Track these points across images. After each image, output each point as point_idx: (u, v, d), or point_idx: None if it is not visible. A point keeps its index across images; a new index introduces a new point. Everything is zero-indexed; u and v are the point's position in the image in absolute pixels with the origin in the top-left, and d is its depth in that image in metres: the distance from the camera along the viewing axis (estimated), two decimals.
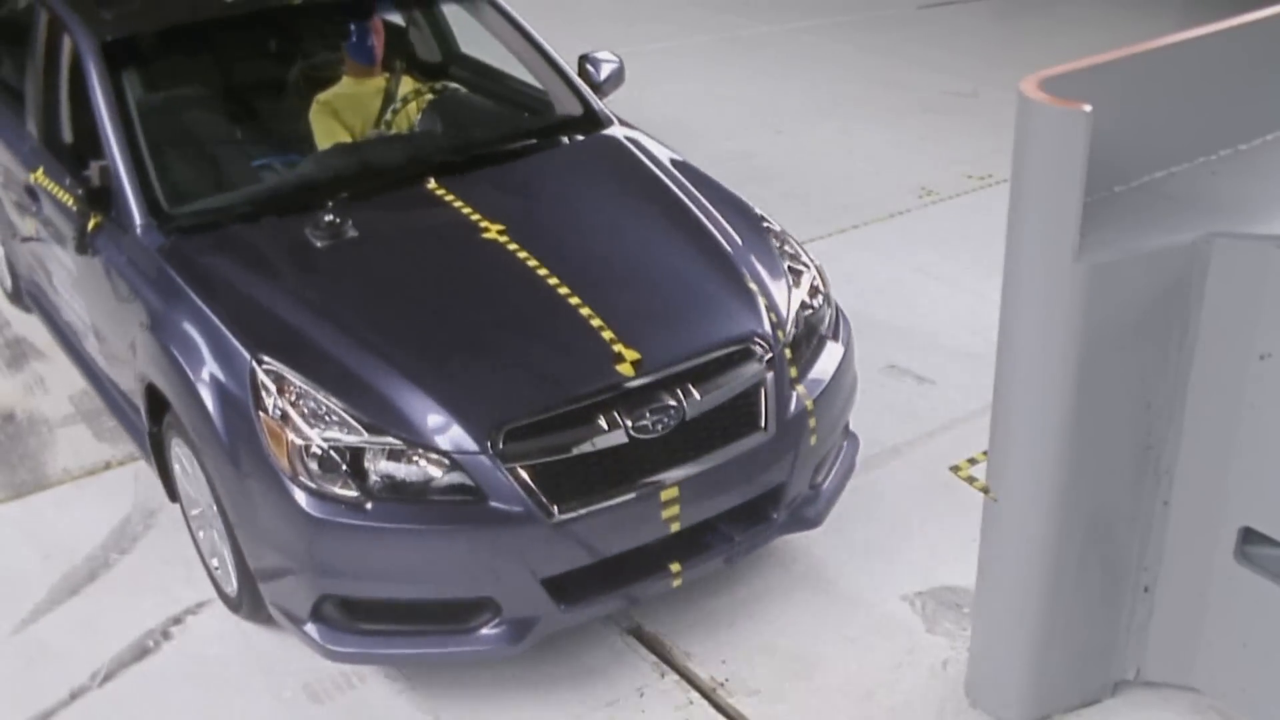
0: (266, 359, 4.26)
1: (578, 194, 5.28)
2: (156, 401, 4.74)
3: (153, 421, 4.86)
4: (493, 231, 4.80)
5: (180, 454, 4.72)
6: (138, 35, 5.44)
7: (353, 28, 5.91)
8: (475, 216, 4.89)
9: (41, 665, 4.59)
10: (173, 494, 5.03)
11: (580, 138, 5.68)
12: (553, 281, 4.57)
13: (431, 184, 5.11)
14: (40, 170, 5.66)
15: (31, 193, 5.74)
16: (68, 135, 5.69)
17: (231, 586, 4.66)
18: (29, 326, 6.79)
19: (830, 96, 10.25)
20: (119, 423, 5.54)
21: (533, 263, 4.65)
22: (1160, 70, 3.93)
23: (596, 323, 4.39)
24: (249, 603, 4.58)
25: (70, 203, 5.25)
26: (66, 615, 4.85)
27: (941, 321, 6.61)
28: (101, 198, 5.01)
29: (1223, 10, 4.16)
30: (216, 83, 6.12)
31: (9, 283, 6.99)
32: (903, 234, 7.71)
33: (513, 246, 4.72)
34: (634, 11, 12.52)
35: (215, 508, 4.48)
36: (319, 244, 4.74)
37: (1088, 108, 3.42)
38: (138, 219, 4.94)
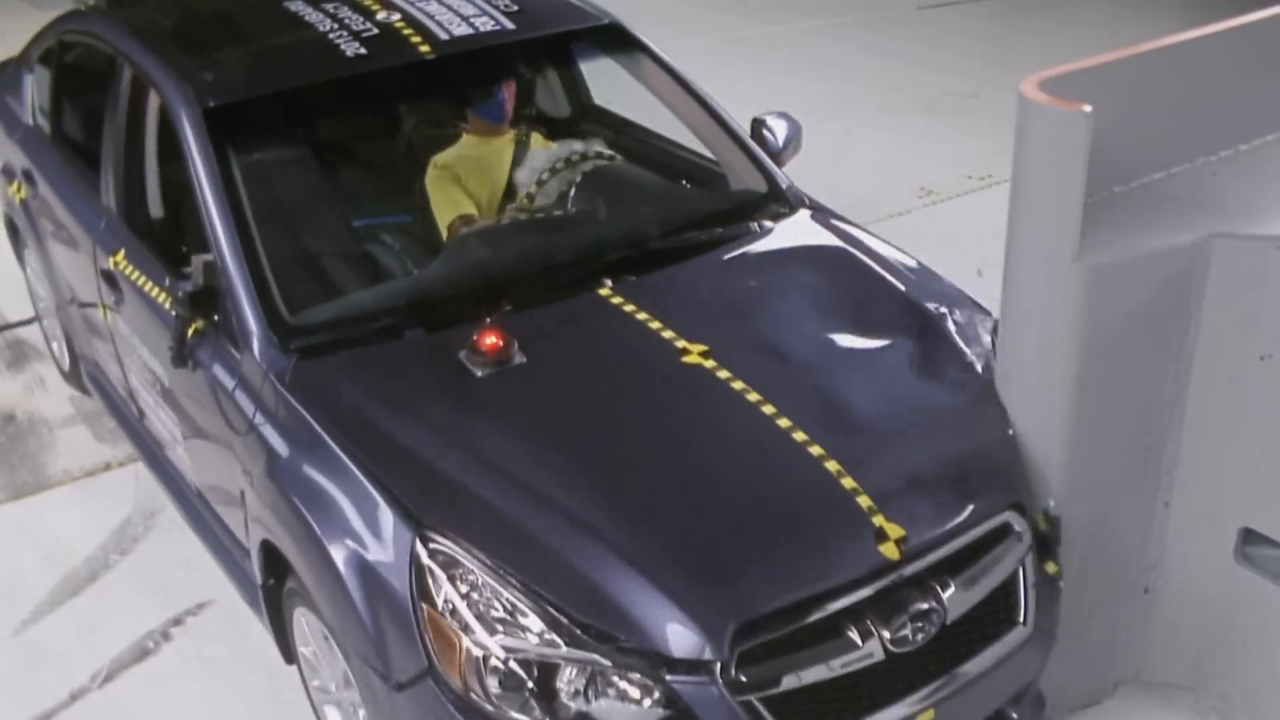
0: (434, 536, 3.32)
1: (787, 301, 4.21)
2: (275, 557, 3.87)
3: (268, 575, 4.01)
4: (694, 354, 3.83)
5: (307, 626, 3.89)
6: (246, 100, 4.39)
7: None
8: (668, 334, 3.91)
9: (42, 666, 4.59)
10: (289, 656, 4.18)
11: (770, 224, 4.55)
12: (783, 423, 3.60)
13: (605, 290, 4.10)
14: (121, 253, 4.72)
15: (110, 278, 4.80)
16: (156, 213, 4.83)
17: None
18: (30, 327, 6.78)
19: (831, 97, 10.24)
20: (221, 564, 4.58)
21: (752, 396, 3.68)
22: (1161, 71, 3.93)
23: (849, 483, 3.43)
24: None
25: (161, 298, 4.39)
26: (67, 616, 4.84)
27: None
28: (206, 301, 4.07)
29: (1223, 11, 4.16)
30: (338, 156, 5.06)
31: (66, 361, 6.11)
32: (903, 234, 7.67)
33: (723, 374, 3.76)
34: (633, 12, 12.50)
35: (357, 706, 3.70)
36: (479, 372, 3.77)
37: (1088, 108, 3.41)
38: (255, 333, 3.94)
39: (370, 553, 3.40)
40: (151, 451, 5.11)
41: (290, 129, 4.71)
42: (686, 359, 3.82)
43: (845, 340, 4.04)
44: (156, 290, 4.44)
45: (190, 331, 4.16)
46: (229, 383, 4.03)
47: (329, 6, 4.72)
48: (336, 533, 3.48)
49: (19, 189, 5.93)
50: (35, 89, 5.96)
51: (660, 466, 3.54)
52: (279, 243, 4.23)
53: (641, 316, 3.97)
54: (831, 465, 3.47)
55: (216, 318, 4.11)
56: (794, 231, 4.55)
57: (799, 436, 3.56)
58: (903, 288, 4.29)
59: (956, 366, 3.98)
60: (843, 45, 11.57)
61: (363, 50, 4.49)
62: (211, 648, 4.66)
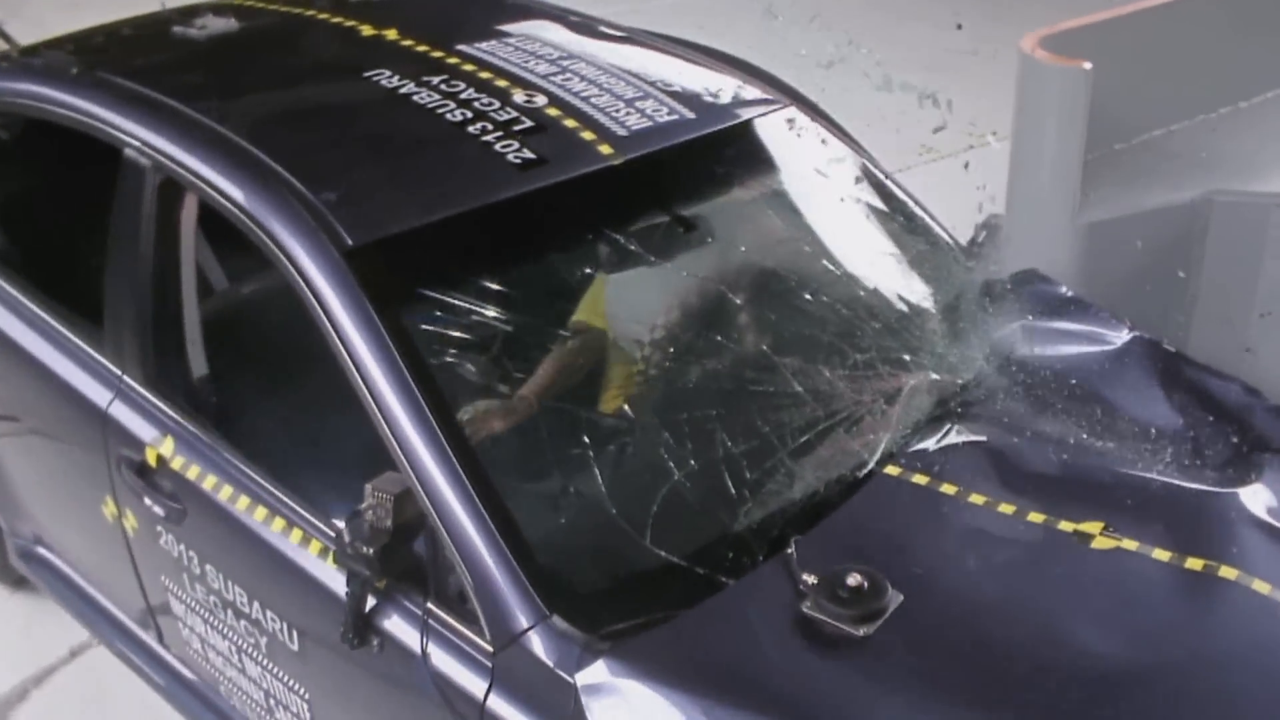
0: None
1: (1120, 434, 3.13)
2: None
3: None
4: (1098, 536, 2.79)
5: None
6: (407, 234, 2.94)
7: None
8: (1035, 515, 2.86)
9: (41, 624, 4.60)
10: None
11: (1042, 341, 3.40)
12: None
13: (894, 469, 2.98)
14: (169, 445, 3.26)
15: (146, 476, 3.32)
16: (206, 382, 3.42)
17: None
18: None
19: (828, 54, 10.21)
20: None
21: (1225, 572, 2.71)
22: (1161, 27, 3.92)
23: None
24: None
25: (277, 526, 3.02)
26: None
27: None
28: (398, 550, 2.68)
29: None
30: (531, 307, 3.22)
31: None
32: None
33: (1161, 553, 2.75)
34: None
35: None
36: (859, 631, 2.56)
37: (1088, 65, 3.41)
38: (525, 617, 2.58)
39: None
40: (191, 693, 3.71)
41: (454, 272, 3.12)
42: (1096, 545, 2.78)
43: (1226, 471, 3.03)
44: (273, 519, 3.04)
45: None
46: (471, 689, 2.65)
47: (436, 81, 3.38)
48: None
49: None
50: None
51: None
52: (506, 451, 2.98)
53: (979, 499, 2.90)
54: None
55: (431, 584, 2.76)
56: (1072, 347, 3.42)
57: None
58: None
59: None
60: (841, 1, 11.54)
61: (528, 153, 3.15)
62: None
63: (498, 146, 3.14)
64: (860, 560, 2.66)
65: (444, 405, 2.76)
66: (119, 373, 3.42)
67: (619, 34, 3.91)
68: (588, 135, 3.26)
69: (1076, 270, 3.62)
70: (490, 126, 3.21)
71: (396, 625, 2.75)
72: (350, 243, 2.85)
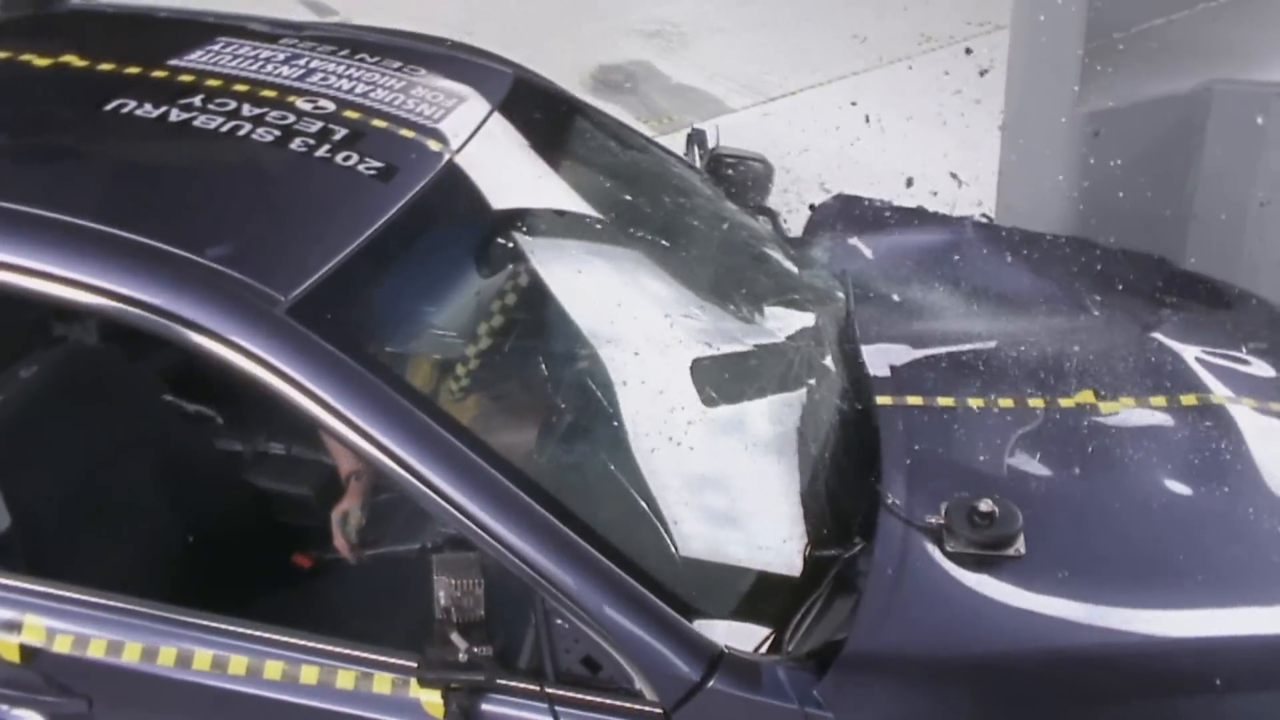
0: None
1: (1015, 310, 3.24)
2: None
3: None
4: (1099, 403, 2.91)
5: None
6: (337, 274, 2.50)
7: None
8: (1035, 401, 2.92)
9: None
10: None
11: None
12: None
13: (887, 398, 2.90)
14: (37, 625, 2.52)
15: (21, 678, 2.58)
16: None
17: None
18: None
19: None
20: None
21: (1210, 398, 2.92)
22: None
23: None
24: None
25: (275, 674, 2.45)
26: None
27: (940, 170, 6.62)
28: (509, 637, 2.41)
29: None
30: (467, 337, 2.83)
31: None
32: (902, 80, 7.67)
33: (1158, 399, 2.94)
34: None
35: None
36: (1015, 551, 2.55)
37: None
38: (692, 664, 2.31)
39: None
40: None
41: (397, 304, 2.78)
42: (1105, 409, 2.90)
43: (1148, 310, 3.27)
44: (263, 665, 2.46)
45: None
46: None
47: (198, 101, 2.86)
48: None
49: None
50: None
51: None
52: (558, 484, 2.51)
53: (978, 403, 2.92)
54: None
55: (549, 675, 2.38)
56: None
57: None
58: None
59: None
60: None
61: (374, 163, 2.77)
62: None
63: (338, 160, 2.74)
64: (944, 489, 2.62)
65: (490, 449, 2.38)
66: None
67: (308, 28, 3.52)
68: (407, 133, 2.92)
69: (1075, 159, 3.63)
70: (312, 141, 2.78)
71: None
72: (282, 299, 2.39)
